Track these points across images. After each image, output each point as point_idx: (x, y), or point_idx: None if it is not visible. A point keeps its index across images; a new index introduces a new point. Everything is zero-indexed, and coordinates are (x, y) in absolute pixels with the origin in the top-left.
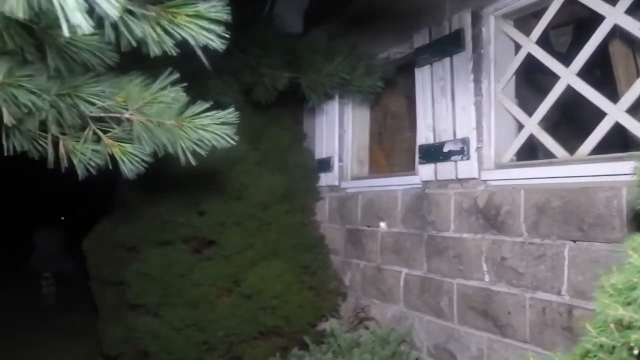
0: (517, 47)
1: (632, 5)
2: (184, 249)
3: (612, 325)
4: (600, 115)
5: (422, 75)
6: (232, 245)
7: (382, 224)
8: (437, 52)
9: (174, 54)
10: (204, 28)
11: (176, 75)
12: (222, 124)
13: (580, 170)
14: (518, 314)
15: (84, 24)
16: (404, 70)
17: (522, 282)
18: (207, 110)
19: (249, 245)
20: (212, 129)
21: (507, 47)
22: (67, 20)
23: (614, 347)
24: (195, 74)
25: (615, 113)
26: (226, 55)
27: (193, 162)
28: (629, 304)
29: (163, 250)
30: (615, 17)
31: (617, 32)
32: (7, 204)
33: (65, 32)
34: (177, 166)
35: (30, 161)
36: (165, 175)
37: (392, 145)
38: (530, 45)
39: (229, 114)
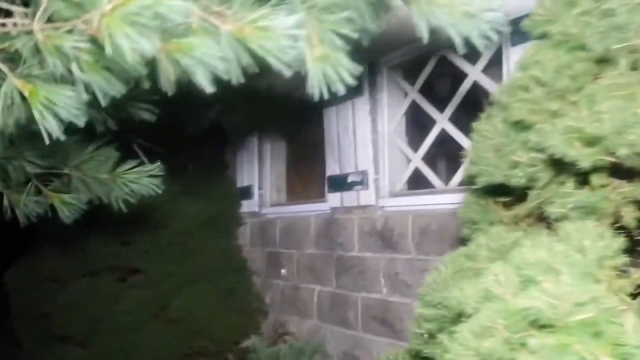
0: (405, 94)
1: (487, 66)
2: (110, 278)
3: None
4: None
5: (330, 116)
6: (156, 273)
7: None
8: (342, 96)
9: None
10: None
11: (106, 138)
12: (150, 177)
13: (452, 198)
14: (409, 320)
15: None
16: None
17: (411, 293)
18: (137, 165)
19: (174, 272)
20: (141, 182)
21: (397, 93)
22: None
23: None
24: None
25: None
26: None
27: (124, 209)
28: None
29: (89, 281)
30: (475, 75)
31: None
32: None
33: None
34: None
35: None
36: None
37: (308, 174)
38: (414, 94)
39: (156, 169)
